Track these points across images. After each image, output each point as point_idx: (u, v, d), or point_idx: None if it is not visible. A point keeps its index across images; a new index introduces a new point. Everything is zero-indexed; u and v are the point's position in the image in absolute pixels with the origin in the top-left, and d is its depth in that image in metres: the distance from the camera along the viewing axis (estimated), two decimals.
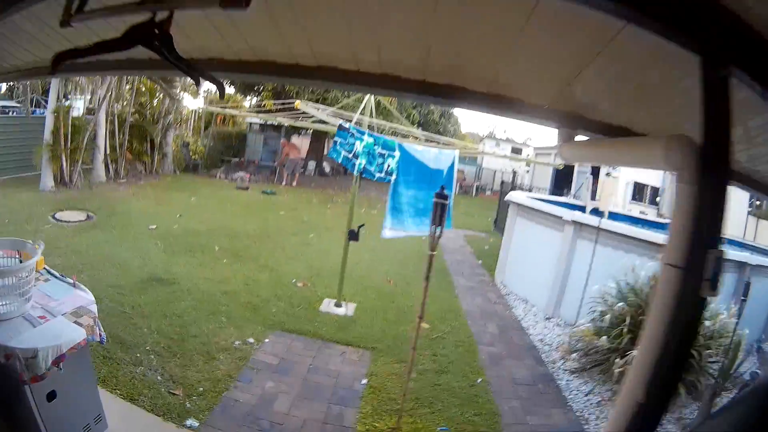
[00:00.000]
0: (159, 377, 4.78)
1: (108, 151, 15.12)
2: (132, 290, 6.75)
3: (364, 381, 5.33)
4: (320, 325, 6.58)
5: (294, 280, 8.18)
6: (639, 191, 16.33)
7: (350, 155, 5.89)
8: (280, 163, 20.35)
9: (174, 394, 4.56)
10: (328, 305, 7.26)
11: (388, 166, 6.08)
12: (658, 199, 14.72)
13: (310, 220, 13.42)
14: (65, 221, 9.93)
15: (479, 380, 5.63)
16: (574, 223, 7.61)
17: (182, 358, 5.18)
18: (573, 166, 19.15)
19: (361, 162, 5.92)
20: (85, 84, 14.79)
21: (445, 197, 4.00)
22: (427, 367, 5.80)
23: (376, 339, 6.35)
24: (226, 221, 11.89)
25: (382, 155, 6.02)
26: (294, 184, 19.58)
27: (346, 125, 5.98)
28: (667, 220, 9.59)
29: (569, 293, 7.51)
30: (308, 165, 23.31)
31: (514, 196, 9.72)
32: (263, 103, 19.58)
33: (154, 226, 10.34)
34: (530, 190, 20.40)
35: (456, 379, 5.59)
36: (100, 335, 3.46)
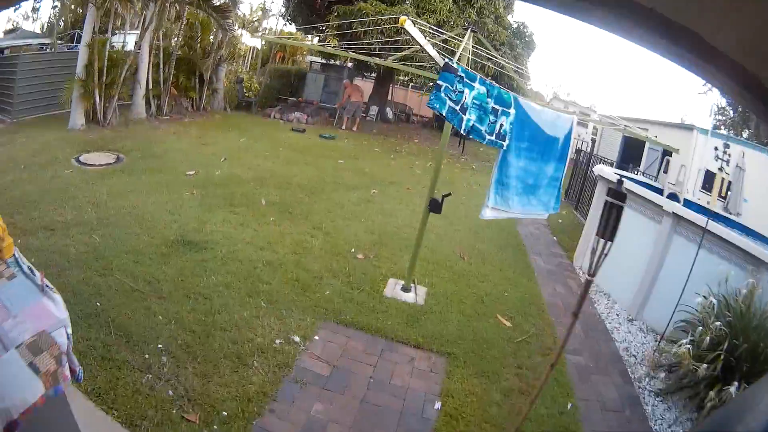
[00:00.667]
0: (170, 391, 3.69)
1: (150, 86, 14.20)
2: (152, 258, 5.70)
3: (438, 405, 4.17)
4: (384, 316, 5.39)
5: (353, 250, 7.00)
6: (709, 180, 14.95)
7: (457, 107, 4.35)
8: (341, 105, 19.11)
9: (188, 420, 3.45)
10: (393, 288, 6.05)
11: (501, 126, 4.61)
12: (728, 192, 13.42)
13: (372, 172, 12.13)
14: (90, 164, 9.01)
15: (569, 405, 4.51)
16: (674, 215, 6.48)
17: (203, 363, 4.07)
18: (644, 141, 17.81)
19: (469, 118, 4.44)
20: (128, 17, 13.82)
21: (623, 197, 2.60)
22: (512, 385, 4.62)
23: (452, 340, 5.14)
24: (277, 168, 10.75)
25: (494, 111, 4.54)
26: (354, 128, 18.35)
27: (455, 65, 4.39)
28: (733, 217, 8.95)
29: (657, 296, 6.52)
30: (370, 110, 21.80)
31: (604, 171, 8.42)
32: (327, 41, 18.21)
33: (192, 172, 9.30)
34: (611, 164, 19.14)
35: (544, 404, 4.42)
36: (75, 373, 2.34)
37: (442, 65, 4.39)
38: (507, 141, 4.68)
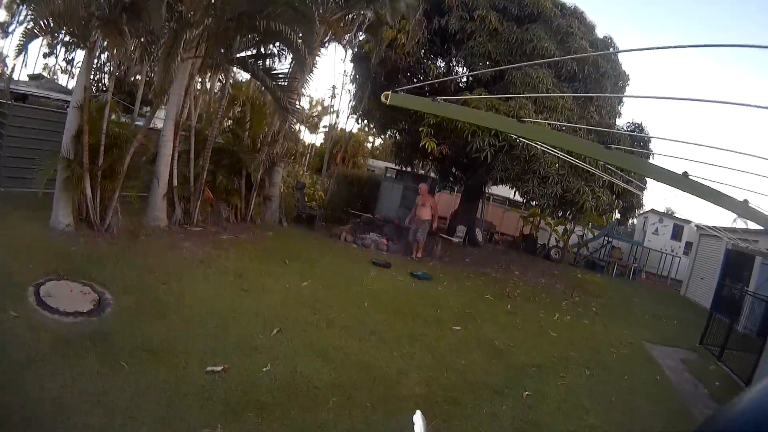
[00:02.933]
0: None
1: (175, 182, 11.13)
2: None
3: None
4: None
5: None
6: None
7: None
8: (410, 219, 15.59)
9: None
10: None
11: None
12: None
13: (505, 347, 8.08)
14: (51, 308, 5.96)
15: None
16: None
17: None
18: (751, 256, 16.21)
19: None
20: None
21: None
22: None
23: None
24: (369, 353, 6.73)
25: None
26: (417, 255, 14.69)
27: None
28: None
29: None
30: (456, 231, 19.20)
31: None
32: (425, 144, 14.60)
33: (218, 368, 5.34)
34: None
35: None
36: None
37: None
38: None
